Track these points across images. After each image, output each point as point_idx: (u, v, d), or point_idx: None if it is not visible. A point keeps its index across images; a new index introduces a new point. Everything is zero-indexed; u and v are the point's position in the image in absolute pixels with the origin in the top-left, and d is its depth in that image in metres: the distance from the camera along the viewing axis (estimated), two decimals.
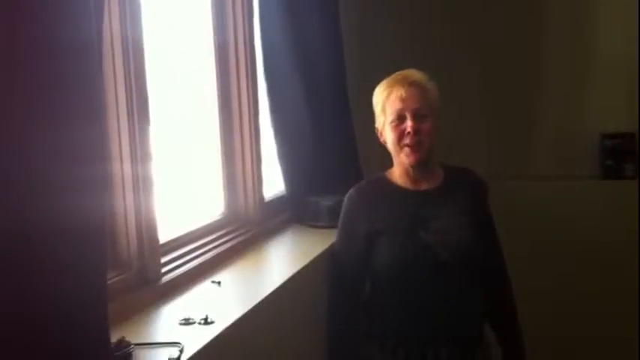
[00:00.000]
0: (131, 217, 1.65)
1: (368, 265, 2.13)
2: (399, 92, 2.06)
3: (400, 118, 2.06)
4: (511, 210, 2.96)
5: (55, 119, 1.05)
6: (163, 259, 1.79)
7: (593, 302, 3.26)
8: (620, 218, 3.25)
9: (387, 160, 2.18)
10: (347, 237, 2.17)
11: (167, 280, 1.75)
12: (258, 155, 2.37)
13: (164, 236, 1.82)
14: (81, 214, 1.10)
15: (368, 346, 2.14)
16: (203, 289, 1.81)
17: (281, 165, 2.59)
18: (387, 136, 2.11)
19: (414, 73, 2.12)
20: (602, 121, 3.34)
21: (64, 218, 1.06)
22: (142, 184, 1.64)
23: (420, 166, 2.11)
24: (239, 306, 1.65)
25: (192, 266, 1.88)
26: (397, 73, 2.13)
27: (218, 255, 2.03)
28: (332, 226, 2.34)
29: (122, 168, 1.62)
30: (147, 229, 1.67)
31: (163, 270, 1.77)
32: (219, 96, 2.29)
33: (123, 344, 1.33)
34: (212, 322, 1.52)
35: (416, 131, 2.04)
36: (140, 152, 1.64)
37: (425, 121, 2.06)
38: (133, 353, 1.34)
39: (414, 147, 2.06)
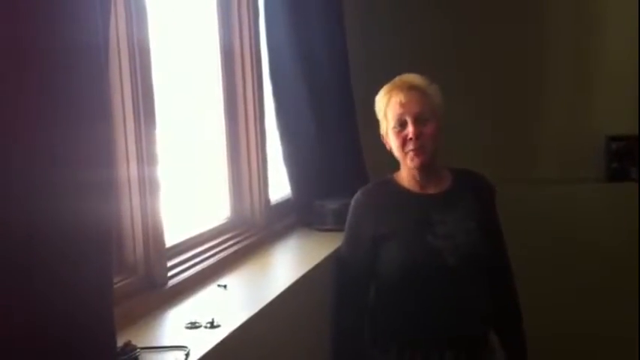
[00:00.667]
0: (137, 221, 1.64)
1: (374, 268, 2.13)
2: (398, 97, 2.06)
3: (401, 124, 2.06)
4: (517, 213, 2.95)
5: (61, 121, 1.05)
6: (169, 263, 1.79)
7: (600, 305, 3.25)
8: (625, 221, 3.24)
9: (394, 162, 2.17)
10: (353, 240, 2.17)
11: (173, 283, 1.75)
12: (264, 158, 2.37)
13: (170, 240, 1.82)
14: (87, 217, 1.10)
15: (373, 349, 2.14)
16: (209, 293, 1.80)
17: (287, 168, 2.58)
18: (391, 141, 2.11)
19: (414, 78, 2.11)
20: (607, 124, 3.33)
21: (70, 221, 1.06)
22: (148, 187, 1.64)
23: (426, 170, 2.11)
24: (245, 310, 1.64)
25: (198, 270, 1.88)
26: (397, 78, 2.13)
27: (224, 258, 2.03)
28: (338, 229, 2.34)
29: (128, 171, 1.62)
30: (153, 233, 1.67)
31: (169, 274, 1.76)
32: (224, 99, 2.29)
33: (129, 348, 1.33)
34: (218, 326, 1.52)
35: (418, 136, 2.04)
36: (146, 155, 1.64)
37: (427, 124, 2.05)
38: (139, 357, 1.33)
39: (418, 151, 2.05)
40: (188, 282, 1.81)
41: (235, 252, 2.10)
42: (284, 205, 2.61)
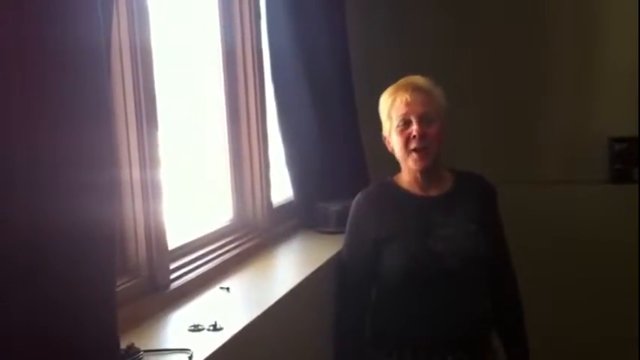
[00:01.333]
0: (140, 223, 1.64)
1: (375, 271, 2.12)
2: (403, 97, 2.05)
3: (406, 123, 2.05)
4: (519, 214, 2.94)
5: (64, 123, 1.05)
6: (172, 266, 1.79)
7: (604, 305, 3.24)
8: (628, 222, 3.23)
9: (395, 164, 2.16)
10: (354, 242, 2.16)
11: (176, 286, 1.75)
12: (266, 160, 2.37)
13: (173, 242, 1.81)
14: (90, 219, 1.10)
15: (374, 352, 2.13)
16: (212, 296, 1.80)
17: (289, 170, 2.58)
18: (394, 141, 2.10)
19: (419, 79, 2.11)
20: (610, 125, 3.32)
21: (73, 223, 1.06)
22: (150, 189, 1.64)
23: (428, 172, 2.10)
24: (248, 312, 1.64)
25: (201, 272, 1.88)
26: (402, 79, 2.13)
27: (227, 261, 2.02)
28: (340, 232, 2.33)
29: (131, 173, 1.62)
30: (156, 236, 1.66)
31: (172, 276, 1.76)
32: (226, 100, 2.29)
33: (132, 350, 1.33)
34: (221, 329, 1.51)
35: (422, 135, 2.03)
36: (149, 158, 1.64)
37: (431, 125, 2.05)
38: None
39: (421, 152, 2.05)
40: (191, 284, 1.81)
41: (238, 254, 2.10)
42: (286, 207, 2.60)
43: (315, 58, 2.57)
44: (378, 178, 2.33)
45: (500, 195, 2.22)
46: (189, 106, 2.12)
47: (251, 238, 2.25)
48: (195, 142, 2.16)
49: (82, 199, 1.08)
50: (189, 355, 1.35)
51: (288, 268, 2.24)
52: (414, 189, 2.14)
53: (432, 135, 2.04)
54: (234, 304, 1.75)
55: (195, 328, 1.52)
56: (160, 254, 1.68)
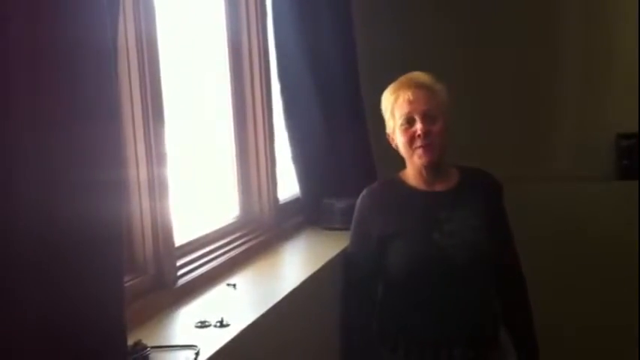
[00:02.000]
0: (147, 220, 1.65)
1: (381, 267, 2.12)
2: (406, 95, 2.05)
3: (409, 121, 2.05)
4: (527, 211, 2.94)
5: (72, 122, 1.05)
6: (179, 262, 1.79)
7: (610, 302, 3.24)
8: (635, 218, 3.22)
9: (403, 160, 2.16)
10: (360, 239, 2.17)
11: (183, 283, 1.76)
12: (272, 157, 2.37)
13: (180, 239, 1.82)
14: (97, 217, 1.10)
15: (381, 347, 2.14)
16: (218, 292, 1.81)
17: (295, 167, 2.58)
18: (398, 139, 2.10)
19: (421, 75, 2.10)
20: (617, 121, 3.31)
21: (80, 221, 1.06)
22: (157, 187, 1.65)
23: (434, 168, 2.10)
24: (254, 309, 1.65)
25: (207, 269, 1.88)
26: (403, 76, 2.12)
27: (233, 258, 2.03)
28: (346, 228, 2.33)
29: (138, 171, 1.62)
30: (163, 233, 1.67)
31: (179, 273, 1.77)
32: (233, 98, 2.29)
33: (139, 347, 1.33)
34: (228, 325, 1.52)
35: (426, 133, 2.03)
36: (155, 155, 1.64)
37: (435, 122, 2.05)
38: (150, 356, 1.34)
39: (426, 148, 2.05)
40: (197, 281, 1.81)
41: (244, 251, 2.11)
42: (292, 204, 2.61)
43: (321, 56, 2.57)
44: (385, 174, 2.33)
45: (507, 191, 2.22)
46: (195, 103, 2.12)
47: (257, 235, 2.26)
48: (202, 140, 2.16)
49: (90, 197, 1.08)
50: (196, 351, 1.36)
51: (294, 265, 2.25)
52: (420, 185, 2.14)
53: (436, 132, 2.04)
54: (241, 301, 1.76)
55: (202, 325, 1.52)
56: (167, 251, 1.69)
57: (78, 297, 1.05)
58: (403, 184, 2.16)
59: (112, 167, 1.15)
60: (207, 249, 1.99)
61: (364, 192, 2.19)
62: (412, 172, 2.14)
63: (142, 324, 1.51)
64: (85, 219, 1.07)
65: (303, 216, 2.62)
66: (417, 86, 2.06)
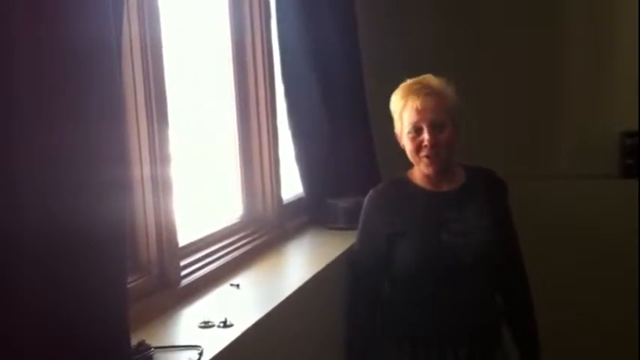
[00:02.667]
0: (151, 221, 1.65)
1: (388, 266, 2.13)
2: (414, 103, 2.03)
3: (417, 131, 2.04)
4: (531, 209, 2.94)
5: (77, 122, 1.05)
6: (182, 262, 1.79)
7: (614, 301, 3.23)
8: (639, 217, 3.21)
9: (407, 160, 2.16)
10: (367, 238, 2.17)
11: (186, 283, 1.76)
12: (276, 157, 2.37)
13: (183, 239, 1.82)
14: (101, 217, 1.10)
15: (386, 346, 2.14)
16: (222, 292, 1.81)
17: (299, 166, 2.58)
18: (406, 145, 2.10)
19: (431, 80, 2.08)
20: (622, 119, 3.30)
21: (84, 221, 1.06)
22: (161, 186, 1.65)
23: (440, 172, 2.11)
24: (258, 309, 1.65)
25: (211, 269, 1.88)
26: (414, 80, 2.09)
27: (237, 258, 2.03)
28: (350, 228, 2.34)
29: (142, 171, 1.62)
30: (166, 233, 1.67)
31: (183, 273, 1.77)
32: (236, 98, 2.29)
33: (143, 347, 1.34)
34: (231, 325, 1.52)
35: (433, 145, 2.02)
36: (159, 155, 1.64)
37: (443, 130, 2.04)
38: (153, 356, 1.34)
39: (432, 159, 2.05)
40: (201, 281, 1.81)
41: (248, 251, 2.11)
42: (296, 204, 2.61)
43: (325, 56, 2.56)
44: (390, 173, 2.32)
45: (511, 190, 2.22)
46: (199, 103, 2.12)
47: (261, 235, 2.25)
48: (206, 140, 2.16)
49: (94, 197, 1.08)
50: (199, 351, 1.36)
51: (297, 265, 2.25)
52: (426, 185, 2.14)
53: (444, 142, 2.04)
54: (245, 301, 1.76)
55: (206, 325, 1.52)
56: (170, 251, 1.69)
57: (81, 297, 1.05)
58: (410, 184, 2.16)
59: (116, 167, 1.15)
60: (211, 249, 1.99)
61: (371, 192, 2.19)
62: (419, 172, 2.15)
63: (145, 324, 1.51)
64: (88, 219, 1.07)
65: (307, 216, 2.62)
66: (426, 94, 2.03)
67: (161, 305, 1.62)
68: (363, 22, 2.83)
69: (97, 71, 1.10)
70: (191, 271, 1.82)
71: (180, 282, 1.74)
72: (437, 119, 2.03)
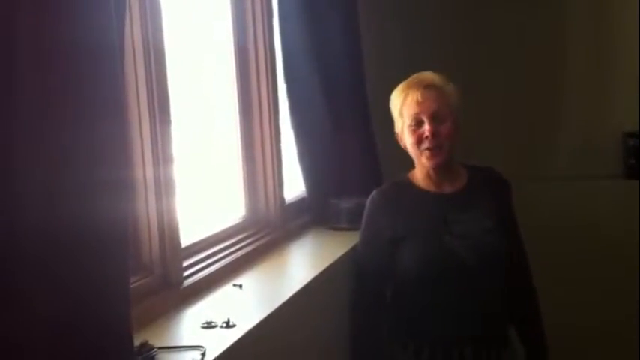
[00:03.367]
0: (153, 221, 1.65)
1: (392, 268, 2.12)
2: (414, 96, 2.04)
3: (418, 123, 2.04)
4: (533, 210, 2.93)
5: (78, 121, 1.05)
6: (185, 263, 1.79)
7: (615, 301, 3.23)
8: None
9: (409, 160, 2.16)
10: (370, 240, 2.16)
11: (189, 283, 1.75)
12: (278, 157, 2.37)
13: (186, 240, 1.82)
14: (104, 217, 1.10)
15: (391, 347, 2.14)
16: (225, 293, 1.81)
17: (301, 167, 2.58)
18: (407, 140, 2.09)
19: (430, 75, 2.09)
20: (624, 120, 3.30)
21: (87, 221, 1.06)
22: (163, 187, 1.65)
23: (442, 169, 2.09)
24: (261, 309, 1.64)
25: (213, 269, 1.88)
26: (413, 76, 2.11)
27: (239, 258, 2.03)
28: (353, 229, 2.33)
29: (144, 171, 1.62)
30: (169, 233, 1.67)
31: (185, 273, 1.77)
32: (239, 98, 2.29)
33: (146, 347, 1.34)
34: (234, 326, 1.52)
35: (434, 135, 2.02)
36: (162, 155, 1.64)
37: (443, 123, 2.04)
38: (156, 357, 1.34)
39: (434, 150, 2.04)
40: (204, 281, 1.81)
41: (250, 251, 2.11)
42: (299, 204, 2.61)
43: (327, 55, 2.56)
44: (392, 174, 2.32)
45: (514, 190, 2.22)
46: (202, 103, 2.12)
47: (263, 235, 2.25)
48: (208, 140, 2.16)
49: (97, 197, 1.08)
50: (202, 351, 1.36)
51: (300, 265, 2.24)
52: (429, 186, 2.14)
53: (445, 134, 2.03)
54: (247, 301, 1.76)
55: (208, 325, 1.52)
56: (173, 251, 1.69)
57: (84, 297, 1.05)
58: (412, 186, 2.15)
59: (119, 167, 1.15)
60: (214, 249, 1.99)
61: (374, 193, 2.18)
62: (421, 174, 2.14)
63: (148, 324, 1.51)
64: (91, 219, 1.07)
65: (309, 216, 2.62)
66: (426, 87, 2.05)
67: (164, 305, 1.62)
68: (365, 22, 2.83)
69: (100, 72, 1.10)
70: (194, 271, 1.82)
71: (182, 282, 1.73)
72: (438, 111, 2.03)
